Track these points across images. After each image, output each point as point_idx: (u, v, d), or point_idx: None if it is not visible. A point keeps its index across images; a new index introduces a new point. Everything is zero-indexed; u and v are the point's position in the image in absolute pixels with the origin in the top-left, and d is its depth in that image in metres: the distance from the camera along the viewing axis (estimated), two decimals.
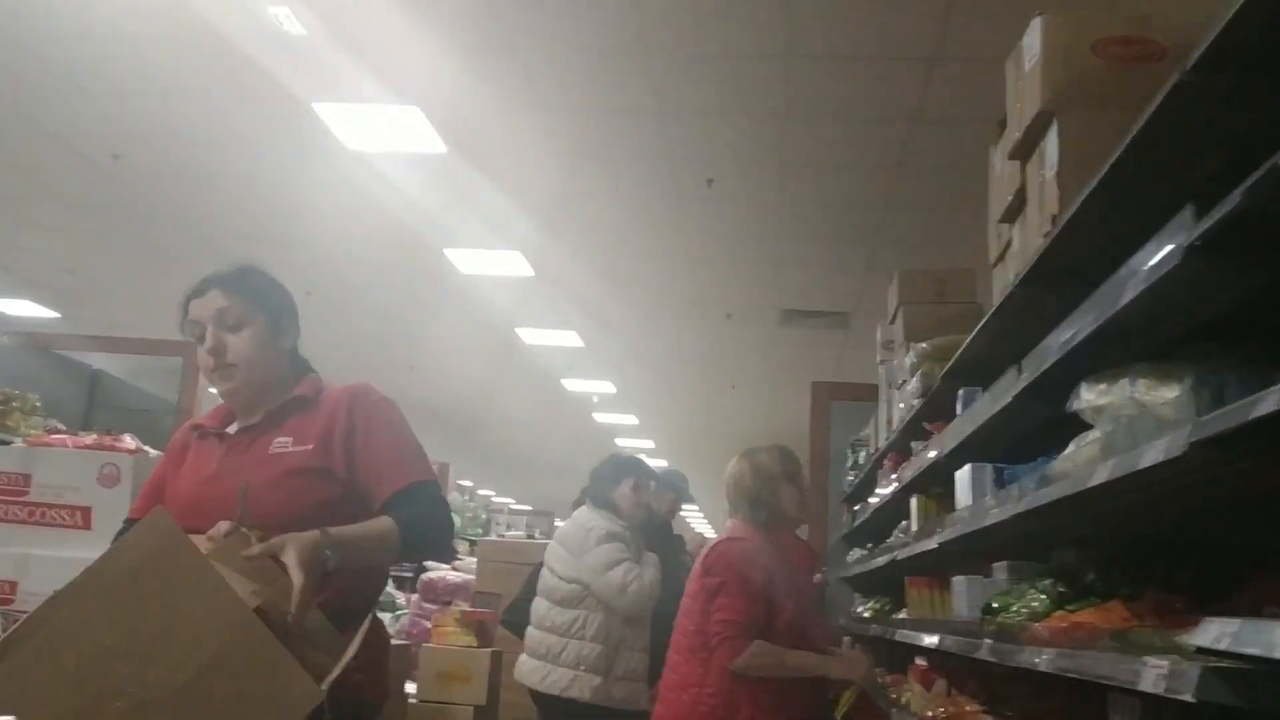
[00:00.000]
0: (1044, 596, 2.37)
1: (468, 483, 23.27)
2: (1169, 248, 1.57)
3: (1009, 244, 2.66)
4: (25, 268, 8.91)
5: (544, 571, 4.05)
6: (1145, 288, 1.66)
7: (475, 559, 5.65)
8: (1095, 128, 2.08)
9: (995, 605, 2.57)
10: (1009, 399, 2.40)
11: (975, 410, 2.82)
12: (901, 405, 4.26)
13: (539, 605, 3.99)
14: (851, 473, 6.56)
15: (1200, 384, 1.65)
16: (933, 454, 3.41)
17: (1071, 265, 2.19)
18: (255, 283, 2.19)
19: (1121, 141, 1.78)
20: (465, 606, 4.72)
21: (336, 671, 1.36)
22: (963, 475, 2.92)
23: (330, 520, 1.84)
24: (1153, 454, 1.48)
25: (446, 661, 4.18)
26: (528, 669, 3.91)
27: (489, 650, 4.22)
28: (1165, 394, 1.72)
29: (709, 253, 7.58)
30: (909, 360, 3.82)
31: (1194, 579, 2.42)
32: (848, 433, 6.94)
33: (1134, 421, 1.73)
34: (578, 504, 4.23)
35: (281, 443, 2.06)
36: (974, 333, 2.86)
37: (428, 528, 2.01)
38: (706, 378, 11.57)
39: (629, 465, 4.25)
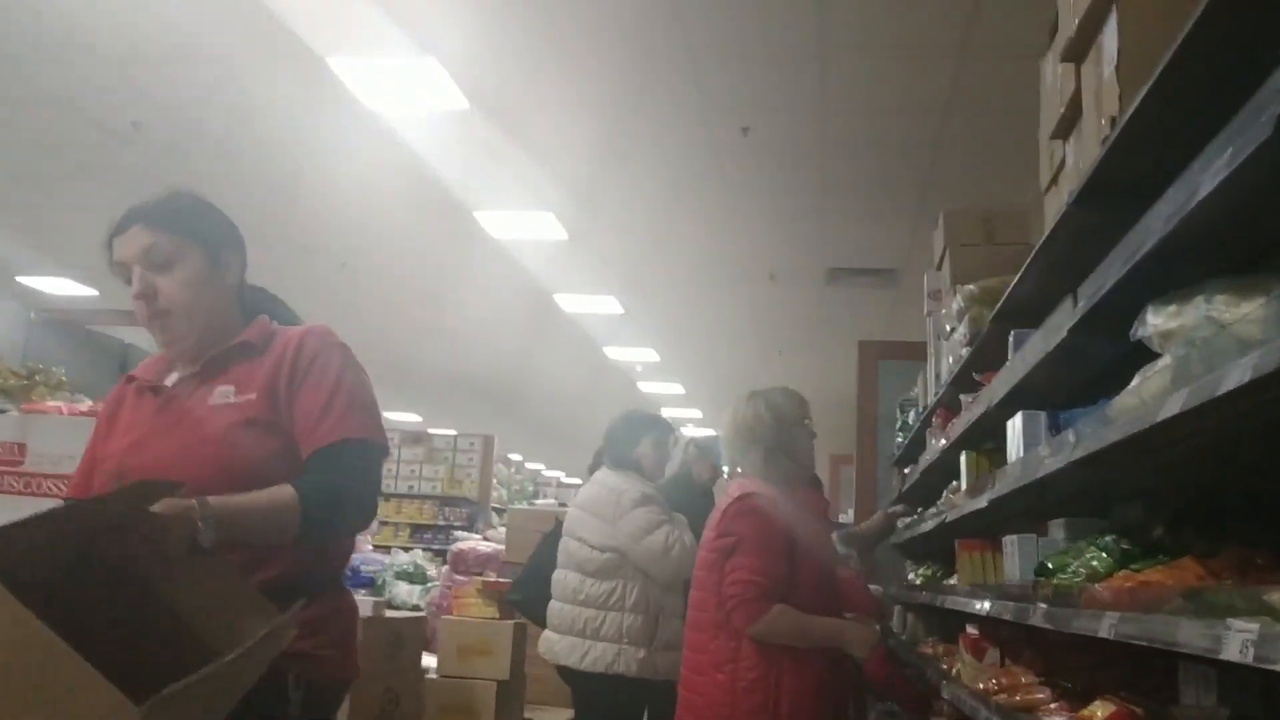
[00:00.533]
0: (1105, 555, 2.11)
1: (517, 456, 23.21)
2: (1256, 123, 1.30)
3: (1062, 163, 2.38)
4: (61, 246, 8.86)
5: (568, 543, 3.82)
6: (1227, 177, 1.38)
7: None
8: (1159, 11, 1.79)
9: (1050, 565, 2.30)
10: (1064, 334, 2.13)
11: (1027, 352, 2.54)
12: (950, 358, 3.97)
13: (567, 579, 3.76)
14: (900, 435, 6.27)
15: None
16: (983, 406, 3.13)
17: (1133, 179, 1.90)
18: (185, 212, 1.90)
19: (1187, 22, 1.50)
20: (491, 577, 4.53)
21: (181, 685, 1.11)
22: (1014, 425, 2.65)
23: (281, 478, 1.63)
24: (1238, 374, 1.22)
25: (467, 634, 3.99)
26: (562, 647, 3.69)
27: (512, 623, 4.02)
28: (1248, 309, 1.45)
29: (749, 209, 7.29)
30: (956, 305, 3.53)
31: (1273, 534, 2.14)
32: (898, 394, 6.63)
33: (1211, 344, 1.46)
34: (595, 466, 4.00)
35: (223, 393, 1.82)
36: (1025, 265, 2.58)
37: (331, 500, 1.73)
38: (751, 342, 11.28)
39: (648, 422, 4.02)
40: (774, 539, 2.78)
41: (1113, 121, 1.85)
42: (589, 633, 3.63)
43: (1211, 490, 2.28)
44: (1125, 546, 2.08)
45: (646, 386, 14.21)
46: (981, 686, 3.20)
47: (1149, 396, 1.59)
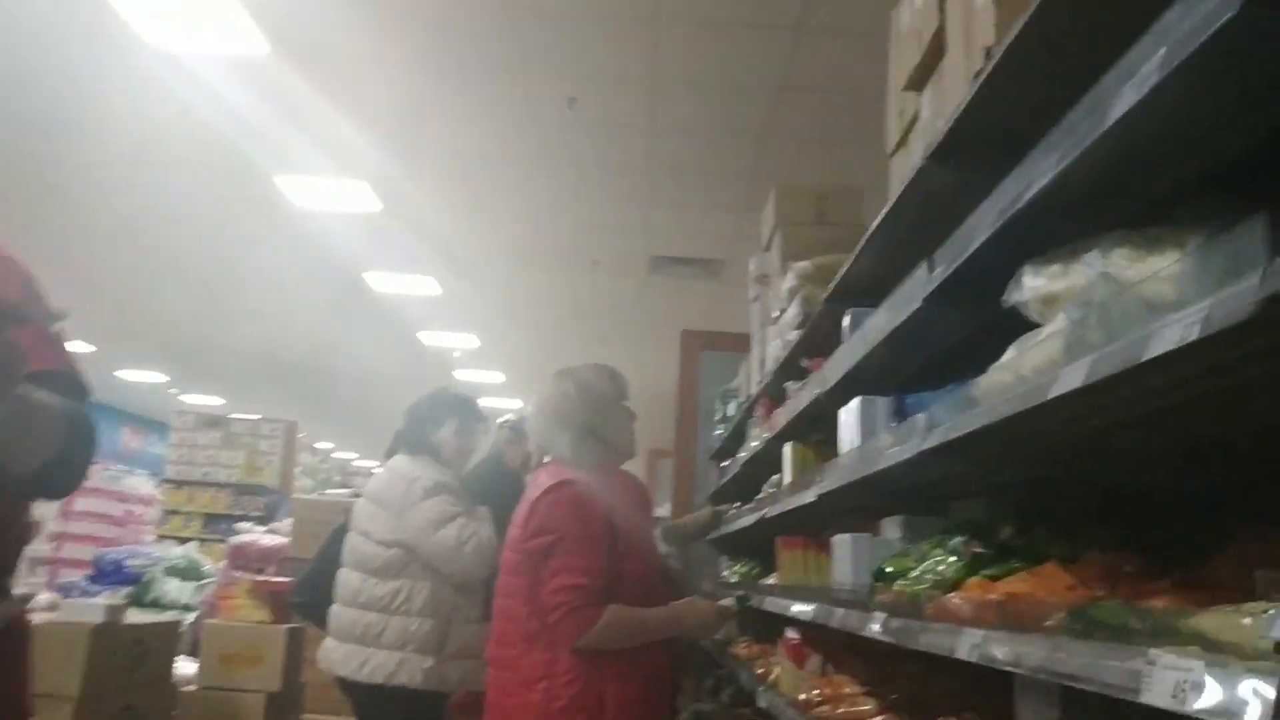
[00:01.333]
0: (953, 558, 1.85)
1: (327, 444, 22.18)
2: (1165, 48, 1.04)
3: (915, 118, 2.12)
4: None
5: (352, 538, 3.36)
6: (1136, 104, 1.11)
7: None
8: None
9: (889, 570, 2.04)
10: (917, 304, 1.86)
11: (868, 331, 2.28)
12: (776, 343, 3.73)
13: (348, 578, 3.30)
14: (721, 427, 6.05)
15: (1212, 247, 1.11)
16: (813, 392, 2.88)
17: (1008, 123, 1.64)
18: None
19: None
20: (269, 575, 4.01)
21: None
22: (849, 411, 2.39)
23: None
24: (1174, 334, 0.94)
25: (233, 641, 3.46)
26: (339, 656, 3.23)
27: (285, 627, 3.52)
28: (1159, 265, 1.19)
29: (574, 188, 6.95)
30: (787, 284, 3.28)
31: (1136, 536, 1.94)
32: (720, 386, 6.42)
33: (1113, 307, 1.19)
34: (391, 451, 3.55)
35: None
36: (868, 234, 2.31)
37: (87, 429, 1.39)
38: (575, 331, 10.96)
39: (454, 404, 3.60)
40: (596, 532, 2.44)
41: (987, 53, 1.58)
42: (368, 639, 3.20)
43: (1066, 486, 2.07)
44: (977, 550, 1.83)
45: (465, 374, 13.68)
46: (802, 698, 2.95)
47: (1031, 371, 1.32)
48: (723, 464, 5.90)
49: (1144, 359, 0.97)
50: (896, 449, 1.91)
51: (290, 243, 8.29)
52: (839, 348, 2.59)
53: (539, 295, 9.85)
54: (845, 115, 5.17)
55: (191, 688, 3.49)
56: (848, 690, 2.97)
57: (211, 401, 16.68)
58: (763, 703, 3.55)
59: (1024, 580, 1.54)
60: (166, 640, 3.17)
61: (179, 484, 12.11)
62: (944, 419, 1.66)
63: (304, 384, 14.62)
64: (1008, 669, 1.25)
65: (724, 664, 5.27)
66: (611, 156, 6.32)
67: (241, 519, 11.17)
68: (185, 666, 3.76)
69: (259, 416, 12.66)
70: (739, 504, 5.47)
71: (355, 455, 23.67)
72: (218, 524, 11.42)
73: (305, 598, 3.48)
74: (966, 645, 1.43)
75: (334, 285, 9.62)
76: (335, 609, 3.28)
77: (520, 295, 9.89)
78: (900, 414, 2.02)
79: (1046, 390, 1.20)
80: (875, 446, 2.13)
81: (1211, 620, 0.99)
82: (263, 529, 5.11)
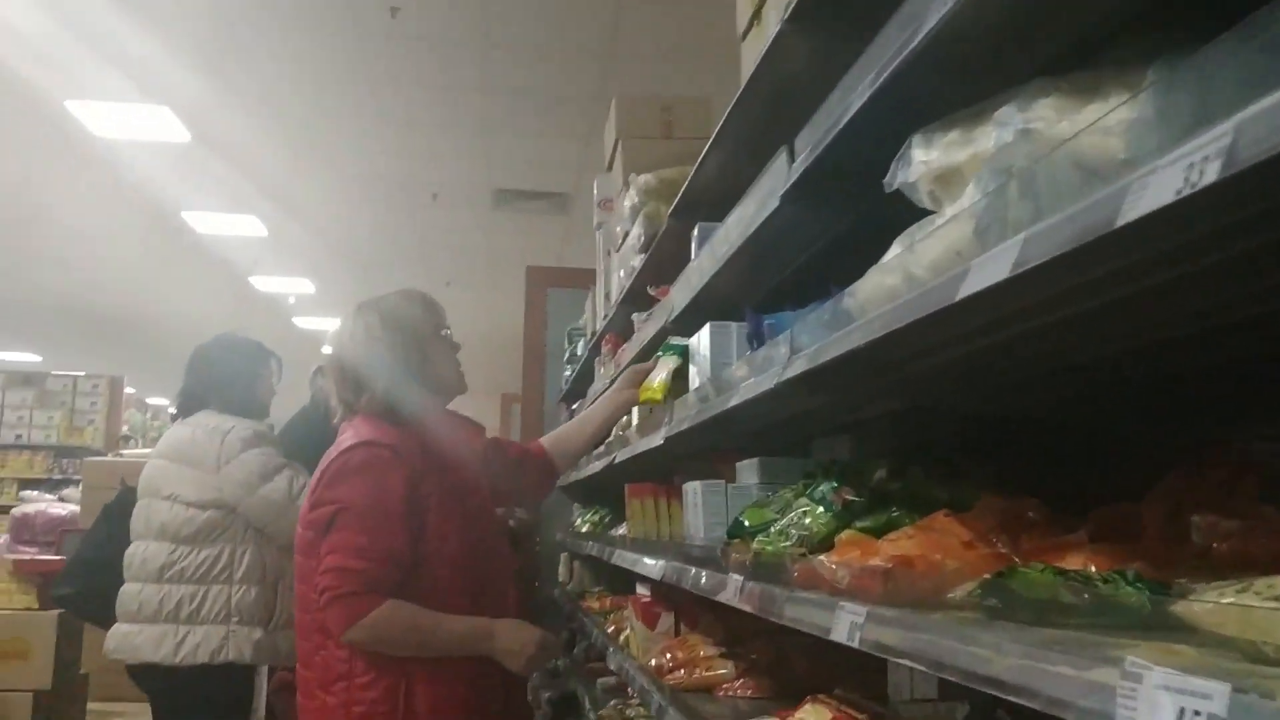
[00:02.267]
0: (821, 509, 1.54)
1: (161, 400, 20.89)
2: None
3: None
4: None
5: (151, 506, 2.91)
6: None
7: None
8: None
9: (746, 523, 1.72)
10: (775, 203, 1.52)
11: (718, 245, 1.95)
12: (621, 272, 3.38)
13: (150, 551, 2.86)
14: (569, 367, 5.70)
15: (1177, 83, 0.80)
16: (659, 321, 2.54)
17: None
18: None
19: None
20: (33, 553, 3.46)
21: None
22: (699, 340, 2.06)
23: None
24: (1169, 182, 0.61)
25: None
26: (146, 640, 2.79)
27: (56, 613, 3.02)
28: (1100, 112, 0.87)
29: (405, 113, 6.41)
30: (629, 202, 2.92)
31: (1026, 475, 1.67)
32: (569, 326, 6.05)
33: (1035, 174, 0.87)
34: (185, 410, 3.09)
35: None
36: (716, 130, 1.97)
37: None
38: (417, 272, 10.37)
39: (254, 351, 3.21)
40: (388, 503, 2.02)
41: None
42: (184, 616, 2.80)
43: (943, 415, 1.79)
44: (848, 497, 1.52)
45: (304, 322, 12.94)
46: (654, 663, 2.66)
47: (928, 268, 0.99)
48: (573, 406, 5.56)
49: (1116, 226, 0.65)
50: (752, 381, 1.58)
51: (95, 178, 7.50)
52: (686, 268, 2.25)
53: (377, 234, 9.27)
54: (691, 26, 4.80)
55: None
56: (703, 653, 2.68)
57: (26, 359, 15.42)
58: (613, 664, 3.26)
59: (911, 537, 1.23)
60: None
61: None
62: (809, 341, 1.33)
63: (129, 337, 13.63)
64: (902, 663, 0.94)
65: (577, 618, 4.98)
66: (443, 78, 5.82)
67: (65, 483, 10.32)
68: None
69: (79, 374, 11.73)
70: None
71: None
72: (36, 488, 10.53)
73: (75, 588, 3.01)
74: (845, 624, 1.11)
75: (149, 226, 8.83)
76: (131, 589, 2.85)
77: (357, 235, 9.29)
78: (758, 339, 1.69)
79: (954, 290, 0.88)
80: (728, 379, 1.81)
81: (1207, 609, 0.68)
82: (52, 497, 4.51)
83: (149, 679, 2.84)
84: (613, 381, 3.49)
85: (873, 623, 1.05)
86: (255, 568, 2.89)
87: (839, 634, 1.13)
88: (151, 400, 19.42)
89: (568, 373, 5.71)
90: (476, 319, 11.40)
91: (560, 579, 6.01)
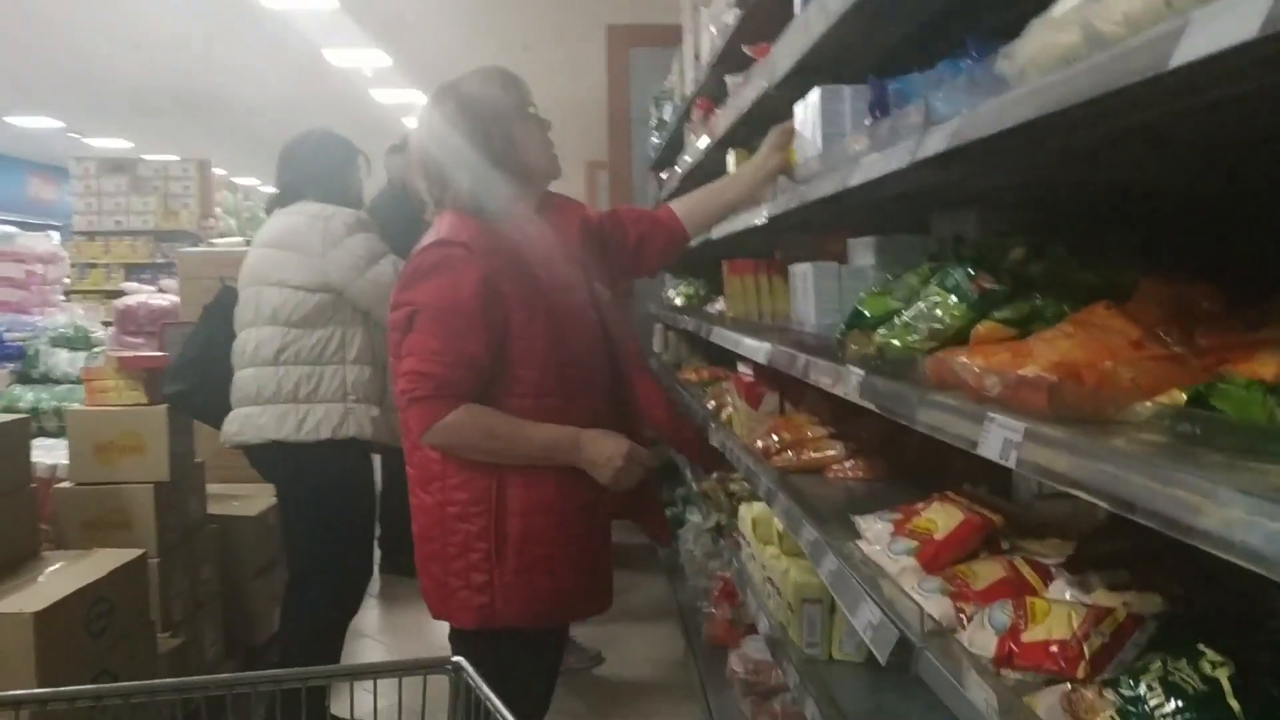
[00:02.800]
0: (954, 299, 1.39)
1: (252, 180, 21.07)
2: None
3: None
4: None
5: (259, 294, 2.91)
6: None
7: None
8: None
9: (866, 312, 1.58)
10: None
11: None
12: (713, 29, 3.12)
13: (261, 336, 2.88)
14: (657, 134, 5.46)
15: None
16: (759, 86, 2.32)
17: None
18: None
19: None
20: (138, 350, 3.50)
21: None
22: (808, 107, 1.86)
23: None
24: None
25: (106, 428, 2.96)
26: (268, 420, 2.84)
27: (164, 408, 3.06)
28: None
29: None
30: None
31: (1182, 251, 1.49)
32: (655, 87, 5.75)
33: None
34: (282, 201, 3.05)
35: None
36: None
37: None
38: (494, 38, 9.97)
39: (341, 143, 3.12)
40: (462, 305, 1.90)
41: None
42: (303, 395, 2.85)
43: (1083, 186, 1.59)
44: (986, 285, 1.36)
45: (381, 95, 12.67)
46: (760, 445, 2.60)
47: (1120, 22, 0.79)
48: (661, 174, 5.36)
49: None
50: (876, 157, 1.40)
51: None
52: (789, 24, 2.01)
53: (449, 1, 8.86)
54: None
55: (66, 484, 3.06)
56: (810, 433, 2.60)
57: (118, 145, 15.58)
58: (715, 441, 3.23)
59: (1070, 336, 1.08)
60: (20, 433, 2.67)
61: (90, 235, 11.42)
62: (951, 110, 1.14)
63: (210, 120, 13.59)
64: (1081, 495, 0.81)
65: (671, 387, 4.97)
66: None
67: (167, 267, 10.55)
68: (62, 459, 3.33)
69: (167, 158, 11.79)
70: None
71: None
72: (140, 273, 10.81)
73: (185, 386, 3.03)
74: (997, 440, 0.99)
75: (220, 5, 8.57)
76: (247, 374, 2.89)
77: (428, 3, 8.89)
78: (881, 108, 1.49)
79: (1165, 54, 0.69)
80: (843, 152, 1.62)
81: None
82: (152, 288, 4.55)
83: (273, 458, 2.90)
84: (715, 149, 3.29)
85: (1033, 442, 0.92)
86: (366, 349, 2.93)
87: (989, 449, 1.01)
88: (240, 180, 19.65)
89: (656, 139, 5.47)
90: (558, 84, 11.04)
91: (655, 349, 5.99)
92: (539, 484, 1.97)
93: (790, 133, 2.22)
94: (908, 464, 2.32)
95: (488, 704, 1.25)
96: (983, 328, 1.32)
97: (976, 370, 1.09)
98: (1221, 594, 1.28)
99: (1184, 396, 0.84)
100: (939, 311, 1.39)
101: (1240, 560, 0.62)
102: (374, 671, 1.42)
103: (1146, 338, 1.06)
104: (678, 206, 2.42)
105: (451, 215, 2.01)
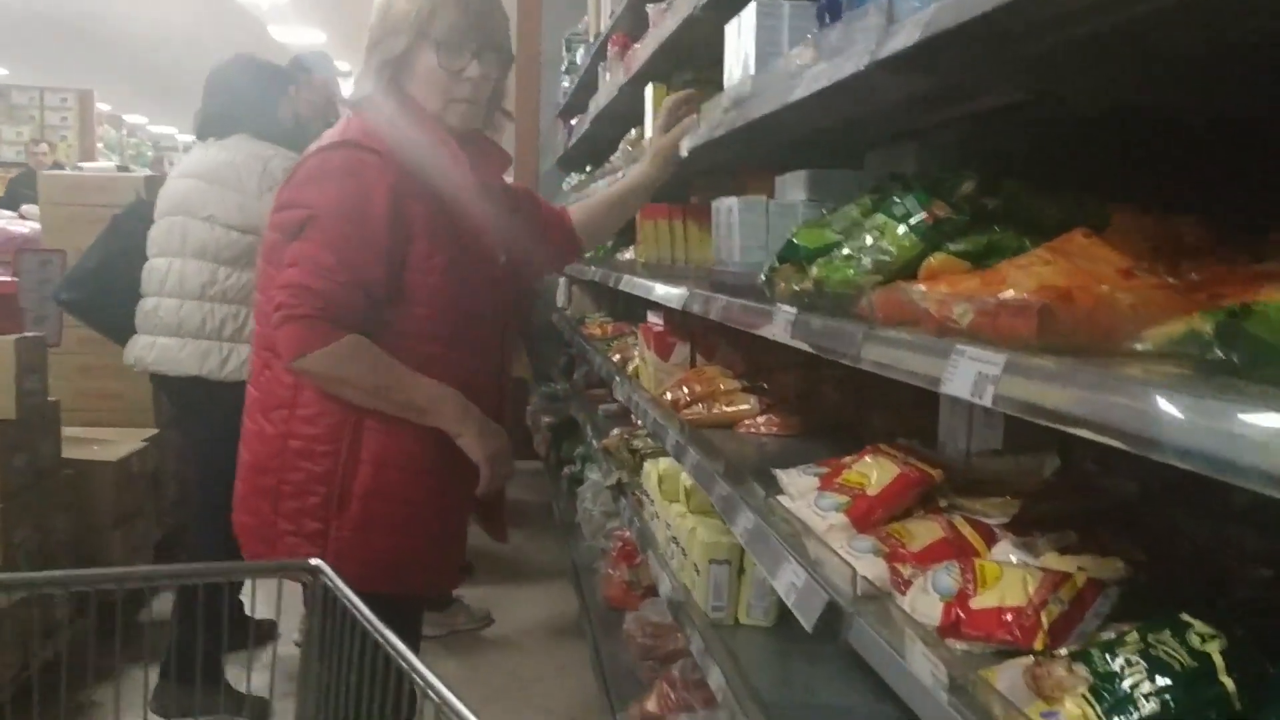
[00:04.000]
0: (902, 228, 1.25)
1: (139, 118, 20.09)
2: None
3: None
4: None
5: (185, 224, 2.83)
6: None
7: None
8: None
9: (800, 243, 1.42)
10: None
11: None
12: None
13: (187, 269, 2.81)
14: (567, 78, 5.24)
15: None
16: (684, 10, 2.15)
17: None
18: None
19: None
20: None
21: None
22: (742, 25, 1.70)
23: None
24: None
25: None
26: (187, 354, 2.79)
27: (15, 337, 2.76)
28: None
29: None
30: None
31: (1146, 186, 1.37)
32: (568, 32, 5.51)
33: None
34: (203, 133, 2.95)
35: None
36: None
37: None
38: None
39: (277, 72, 3.06)
40: (367, 220, 1.68)
41: None
42: (227, 334, 2.82)
43: (1033, 116, 1.47)
44: (940, 213, 1.23)
45: (279, 32, 12.13)
46: (669, 397, 2.45)
47: None
48: (571, 121, 5.15)
49: None
50: (824, 66, 1.25)
51: None
52: None
53: None
54: None
55: None
56: (723, 386, 2.47)
57: None
58: (620, 395, 3.08)
59: (1049, 263, 0.94)
60: None
61: None
62: (920, 3, 0.99)
63: (97, 49, 12.83)
64: (1093, 437, 0.67)
65: (574, 342, 4.79)
66: None
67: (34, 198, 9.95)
68: None
69: (43, 86, 11.13)
70: (589, 168, 4.80)
71: (176, 129, 21.63)
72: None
73: (80, 295, 2.93)
74: (968, 375, 0.84)
75: None
76: (169, 304, 2.82)
77: None
78: (832, 12, 1.33)
79: None
80: (783, 69, 1.47)
81: None
82: (12, 214, 4.19)
83: (191, 394, 2.84)
84: (631, 85, 3.11)
85: (1016, 375, 0.78)
86: None
87: (957, 386, 0.86)
88: (129, 118, 18.71)
89: (565, 84, 5.26)
90: None
91: (559, 304, 5.81)
92: (400, 434, 1.74)
93: (680, 103, 2.12)
94: (825, 420, 2.20)
95: (345, 602, 1.22)
96: (935, 260, 1.18)
97: (940, 298, 0.95)
98: (1178, 560, 1.17)
99: (1200, 324, 0.71)
100: (886, 243, 1.24)
101: None
102: (227, 572, 1.46)
103: (1136, 267, 0.93)
104: (577, 211, 2.26)
105: (362, 118, 1.79)
